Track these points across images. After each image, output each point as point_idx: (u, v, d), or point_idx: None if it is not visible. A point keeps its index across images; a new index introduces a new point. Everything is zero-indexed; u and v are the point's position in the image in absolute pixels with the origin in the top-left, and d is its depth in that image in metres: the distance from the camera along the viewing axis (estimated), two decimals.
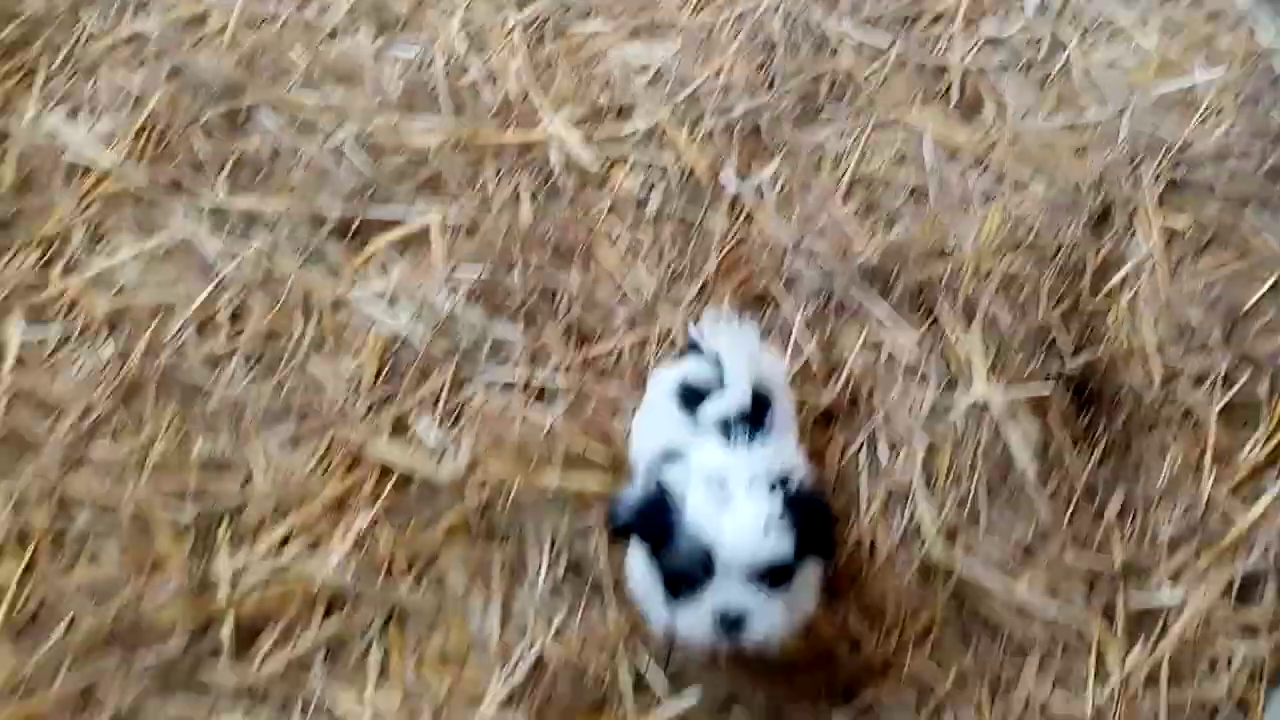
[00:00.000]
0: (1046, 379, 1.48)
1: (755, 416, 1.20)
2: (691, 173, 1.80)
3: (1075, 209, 1.74)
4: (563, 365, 1.53)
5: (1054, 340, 1.54)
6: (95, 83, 1.77)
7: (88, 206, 1.61)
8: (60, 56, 1.81)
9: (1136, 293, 1.63)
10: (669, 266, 1.70)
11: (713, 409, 1.21)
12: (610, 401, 1.52)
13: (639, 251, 1.72)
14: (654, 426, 1.30)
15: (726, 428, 1.18)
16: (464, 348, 1.54)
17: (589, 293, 1.64)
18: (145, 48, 1.82)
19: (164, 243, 1.57)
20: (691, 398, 1.24)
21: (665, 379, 1.33)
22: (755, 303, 1.68)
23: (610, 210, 1.77)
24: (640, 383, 1.50)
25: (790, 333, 1.59)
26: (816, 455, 1.48)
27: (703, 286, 1.66)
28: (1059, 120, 1.91)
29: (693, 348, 1.38)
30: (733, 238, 1.73)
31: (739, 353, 1.27)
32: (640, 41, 1.98)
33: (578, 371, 1.54)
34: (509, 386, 1.52)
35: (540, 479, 1.41)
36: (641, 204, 1.77)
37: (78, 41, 1.84)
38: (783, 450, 1.21)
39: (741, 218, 1.76)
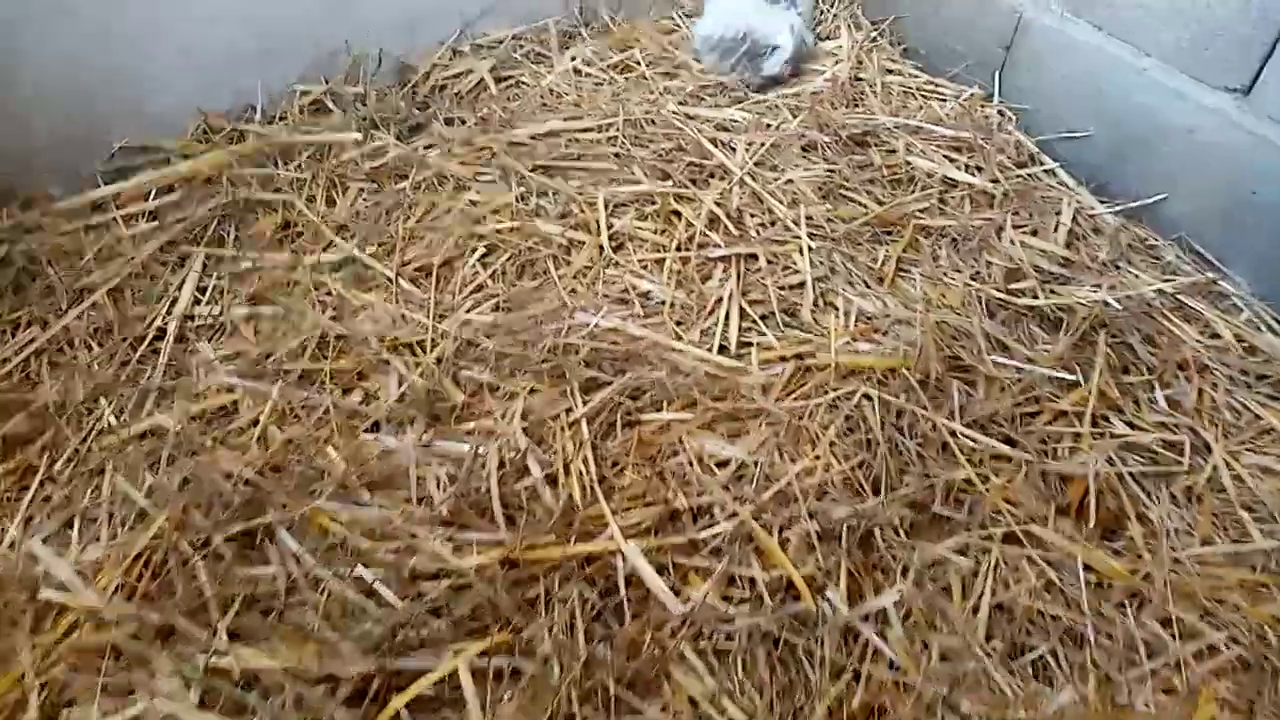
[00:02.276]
0: None
1: None
2: (788, 588, 1.50)
3: (1270, 678, 1.39)
4: None
5: None
6: (97, 491, 1.54)
7: (55, 661, 1.31)
8: (64, 455, 1.60)
9: None
10: (769, 705, 1.37)
11: None
12: None
13: (727, 691, 1.39)
14: None
15: None
16: None
17: None
18: (161, 447, 1.60)
19: (140, 717, 1.25)
20: None
21: None
22: None
23: (689, 637, 1.46)
24: None
25: None
26: None
27: None
28: (1220, 547, 1.62)
29: None
30: (850, 677, 1.40)
31: None
32: (720, 432, 1.74)
33: None
34: None
35: None
36: (730, 636, 1.46)
37: (88, 436, 1.63)
38: None
39: (861, 652, 1.44)
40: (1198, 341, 1.96)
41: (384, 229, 2.06)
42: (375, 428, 1.71)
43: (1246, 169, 2.01)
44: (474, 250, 2.03)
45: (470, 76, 2.46)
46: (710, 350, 1.88)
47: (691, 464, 1.68)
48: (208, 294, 1.91)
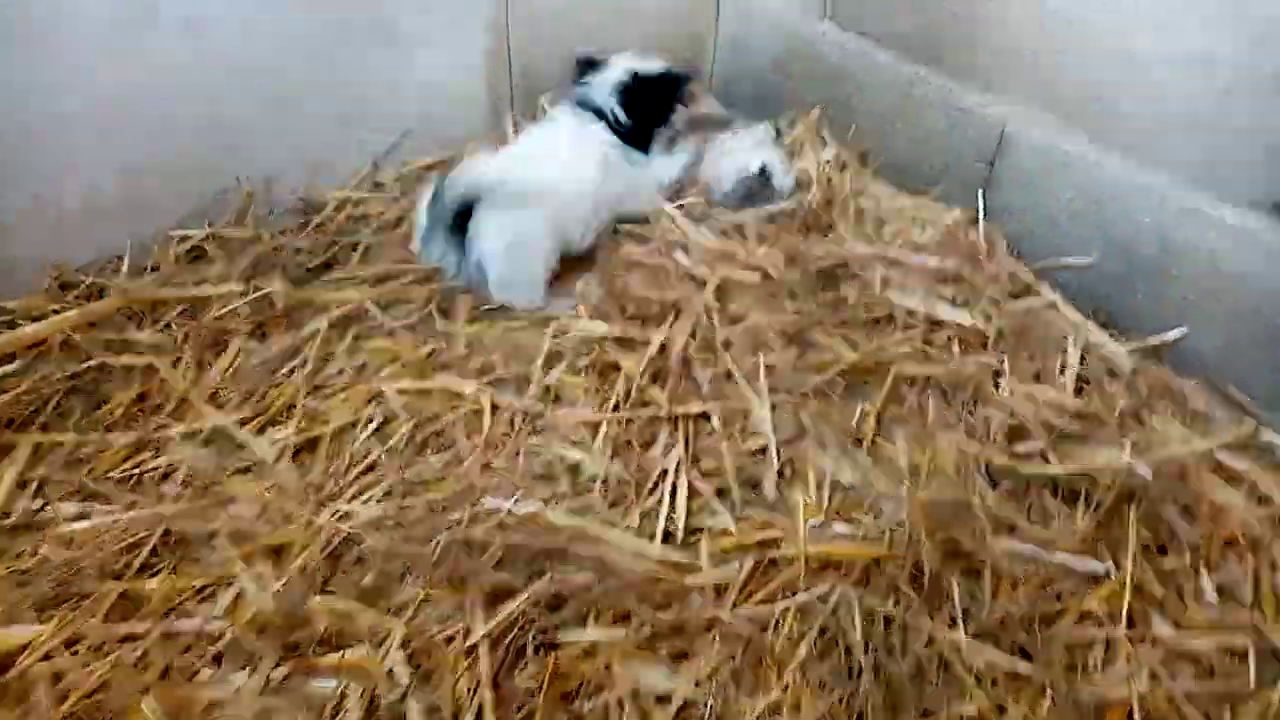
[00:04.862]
0: None
1: None
2: None
3: None
4: None
5: None
6: None
7: None
8: None
9: None
10: None
11: None
12: None
13: None
14: None
15: None
16: None
17: None
18: None
19: None
20: None
21: None
22: None
23: None
24: None
25: None
26: None
27: None
28: None
29: None
30: None
31: None
32: (660, 656, 1.38)
33: None
34: None
35: None
36: None
37: None
38: None
39: None
40: (1245, 509, 1.61)
41: (264, 395, 1.72)
42: (217, 661, 1.34)
43: None
44: (369, 420, 1.69)
45: (390, 209, 2.16)
46: (652, 539, 1.53)
47: (622, 704, 1.31)
48: (31, 490, 1.55)
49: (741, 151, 2.30)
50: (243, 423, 1.66)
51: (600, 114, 2.14)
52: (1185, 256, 1.82)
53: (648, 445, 1.69)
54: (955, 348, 1.87)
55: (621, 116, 2.14)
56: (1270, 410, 1.77)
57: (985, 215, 2.17)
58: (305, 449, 1.65)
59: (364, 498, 1.56)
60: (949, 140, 2.21)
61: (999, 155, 2.12)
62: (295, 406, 1.69)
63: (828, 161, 2.38)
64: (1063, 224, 2.02)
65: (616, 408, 1.73)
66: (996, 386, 1.79)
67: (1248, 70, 1.64)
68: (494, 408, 1.72)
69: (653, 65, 2.21)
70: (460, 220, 1.88)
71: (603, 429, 1.70)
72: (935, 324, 1.91)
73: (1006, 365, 1.82)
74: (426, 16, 2.17)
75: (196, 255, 2.00)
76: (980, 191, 2.18)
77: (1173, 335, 1.87)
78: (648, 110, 2.19)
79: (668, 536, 1.54)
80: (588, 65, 2.21)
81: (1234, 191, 1.73)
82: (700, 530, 1.56)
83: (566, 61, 2.29)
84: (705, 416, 1.73)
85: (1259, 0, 1.60)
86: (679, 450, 1.65)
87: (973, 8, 2.06)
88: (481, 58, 2.32)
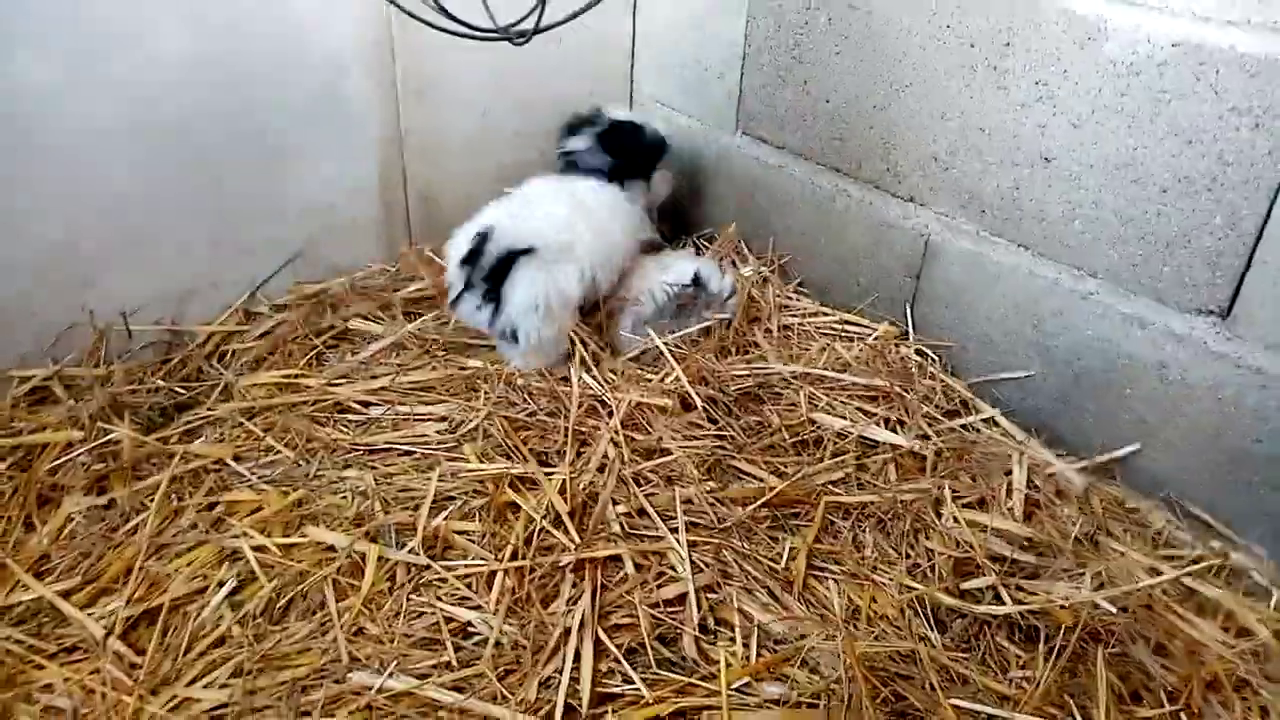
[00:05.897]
0: None
1: None
2: None
3: None
4: None
5: None
6: None
7: None
8: None
9: None
10: None
11: None
12: None
13: None
14: None
15: None
16: None
17: None
18: None
19: None
20: None
21: None
22: None
23: None
24: None
25: None
26: None
27: None
28: None
29: None
30: None
31: None
32: None
33: None
34: None
35: None
36: None
37: None
38: None
39: None
40: (1224, 644, 1.43)
41: (99, 558, 1.48)
42: None
43: (1241, 411, 1.56)
44: (220, 583, 1.45)
45: (264, 340, 1.96)
46: (550, 716, 1.29)
47: None
48: None
49: (674, 264, 2.15)
50: (68, 593, 1.41)
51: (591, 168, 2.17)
52: (1133, 370, 1.68)
53: (549, 599, 1.47)
54: (891, 472, 1.70)
55: (606, 159, 2.17)
56: (1240, 531, 1.62)
57: (914, 330, 2.03)
58: (143, 621, 1.40)
59: (208, 679, 1.31)
60: (873, 254, 2.09)
61: (925, 268, 2.00)
62: (133, 571, 1.44)
63: (748, 277, 2.24)
64: (996, 339, 1.89)
65: (515, 555, 1.52)
66: (938, 514, 1.61)
67: (1181, 172, 1.54)
68: (371, 560, 1.49)
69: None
70: (498, 275, 1.85)
71: (498, 581, 1.48)
72: (868, 447, 1.74)
73: (948, 491, 1.65)
74: (309, 132, 2.02)
75: (40, 398, 1.78)
76: (908, 306, 2.05)
77: (1124, 451, 1.72)
78: (633, 154, 2.22)
79: (569, 711, 1.31)
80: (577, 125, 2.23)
81: (1177, 299, 1.61)
82: (609, 700, 1.33)
83: (471, 188, 2.16)
84: (617, 560, 1.52)
85: (1184, 101, 1.51)
86: (585, 603, 1.43)
87: (889, 117, 1.97)
88: (375, 178, 2.17)
